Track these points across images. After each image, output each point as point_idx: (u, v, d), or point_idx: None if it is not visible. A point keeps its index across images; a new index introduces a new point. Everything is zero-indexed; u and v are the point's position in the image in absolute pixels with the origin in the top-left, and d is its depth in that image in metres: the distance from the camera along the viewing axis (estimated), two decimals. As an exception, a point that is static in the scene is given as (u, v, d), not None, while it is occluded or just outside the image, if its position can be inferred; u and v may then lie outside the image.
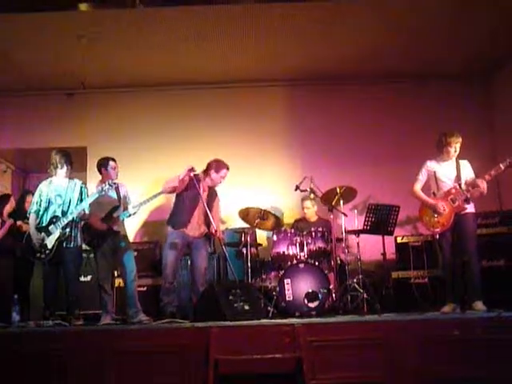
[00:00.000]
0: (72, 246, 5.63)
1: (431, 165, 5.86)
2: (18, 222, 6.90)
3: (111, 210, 5.98)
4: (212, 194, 6.38)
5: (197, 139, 7.95)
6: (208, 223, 6.10)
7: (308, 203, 7.21)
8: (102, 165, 6.17)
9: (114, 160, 6.19)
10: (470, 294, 5.47)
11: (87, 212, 5.71)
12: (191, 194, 6.14)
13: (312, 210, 7.26)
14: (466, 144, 5.76)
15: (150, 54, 7.45)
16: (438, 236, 5.76)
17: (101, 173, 6.20)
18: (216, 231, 6.04)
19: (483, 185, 5.47)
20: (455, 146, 5.72)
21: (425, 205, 5.79)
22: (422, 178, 5.89)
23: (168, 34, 6.94)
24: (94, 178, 6.59)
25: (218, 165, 6.34)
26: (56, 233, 5.49)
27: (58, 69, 7.74)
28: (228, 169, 6.36)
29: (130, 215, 6.14)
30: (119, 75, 8.10)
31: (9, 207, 7.12)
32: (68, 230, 5.56)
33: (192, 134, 8.10)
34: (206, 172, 6.36)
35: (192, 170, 6.04)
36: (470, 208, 5.65)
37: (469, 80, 8.25)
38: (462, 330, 4.24)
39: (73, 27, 6.70)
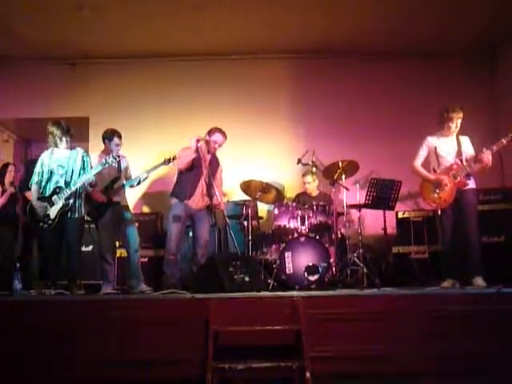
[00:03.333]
0: (75, 216, 5.61)
1: (432, 140, 5.82)
2: (27, 193, 6.90)
3: (112, 181, 5.99)
4: (213, 164, 6.36)
5: (198, 111, 7.90)
6: (211, 195, 6.11)
7: (309, 178, 7.18)
8: (107, 138, 6.15)
9: (119, 137, 6.15)
10: (470, 269, 5.48)
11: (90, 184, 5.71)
12: (194, 166, 6.13)
13: (313, 185, 7.23)
14: (468, 120, 5.73)
15: (151, 23, 7.36)
16: (439, 211, 5.74)
17: (104, 143, 6.19)
18: (219, 203, 6.07)
19: (489, 157, 5.42)
20: (456, 121, 5.68)
21: (426, 180, 5.77)
22: (423, 153, 5.86)
23: (169, 2, 6.85)
24: (96, 148, 6.57)
25: (211, 129, 6.31)
26: (59, 203, 5.48)
27: (59, 38, 7.68)
28: (224, 134, 6.29)
29: (139, 182, 6.18)
30: (121, 45, 8.02)
31: (9, 176, 7.11)
32: (71, 200, 5.54)
33: (194, 106, 8.05)
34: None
35: (199, 140, 6.07)
36: (471, 184, 5.64)
37: (472, 56, 8.17)
38: (461, 306, 4.27)
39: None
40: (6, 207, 6.97)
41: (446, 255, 5.74)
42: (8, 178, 7.09)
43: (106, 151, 6.07)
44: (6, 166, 7.25)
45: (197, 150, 6.07)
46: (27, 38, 7.64)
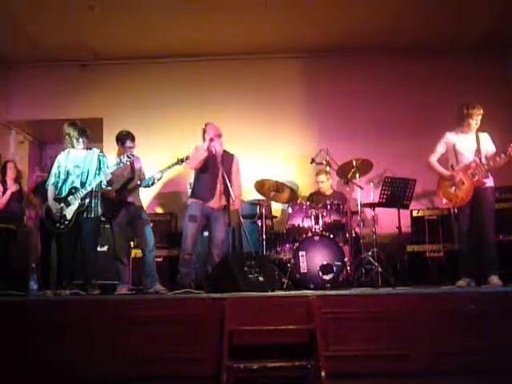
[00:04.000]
0: (91, 216, 5.61)
1: (451, 137, 5.74)
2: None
3: (125, 181, 6.01)
4: (227, 160, 6.30)
5: (211, 111, 7.85)
6: (227, 194, 6.11)
7: (322, 177, 7.16)
8: (120, 140, 6.16)
9: (133, 139, 6.15)
10: (486, 268, 5.43)
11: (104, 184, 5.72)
12: (209, 166, 6.14)
13: (327, 184, 7.21)
14: (484, 116, 5.66)
15: (163, 24, 7.39)
16: (455, 209, 5.69)
17: (118, 145, 6.22)
18: (234, 201, 6.06)
19: None
20: (476, 118, 5.58)
21: (442, 178, 5.72)
22: (440, 149, 5.77)
23: (181, 3, 6.86)
24: (110, 149, 6.60)
25: (205, 126, 6.26)
26: (75, 204, 5.49)
27: (71, 40, 7.73)
28: (214, 125, 6.25)
29: (153, 182, 6.18)
30: (132, 47, 8.05)
31: (10, 173, 7.03)
32: (87, 200, 5.54)
33: (206, 106, 8.01)
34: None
35: (213, 139, 6.07)
36: (489, 182, 5.57)
37: (486, 52, 8.06)
38: (476, 304, 4.24)
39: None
40: (10, 205, 6.93)
41: (461, 253, 5.69)
42: (10, 176, 7.02)
43: (121, 152, 6.08)
44: (4, 164, 7.16)
45: (208, 149, 6.08)
46: (40, 41, 7.71)
